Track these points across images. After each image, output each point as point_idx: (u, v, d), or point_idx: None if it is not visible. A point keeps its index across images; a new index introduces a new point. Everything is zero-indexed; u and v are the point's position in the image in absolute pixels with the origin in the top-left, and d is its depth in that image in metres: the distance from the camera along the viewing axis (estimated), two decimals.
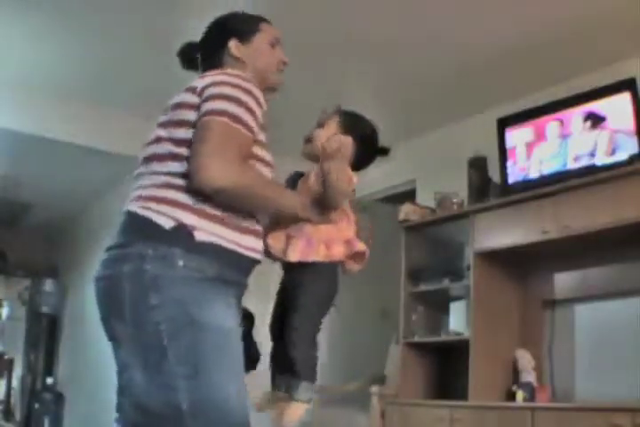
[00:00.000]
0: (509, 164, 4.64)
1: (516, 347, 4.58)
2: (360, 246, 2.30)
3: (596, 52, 4.53)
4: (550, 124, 4.49)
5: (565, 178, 4.23)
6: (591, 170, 4.14)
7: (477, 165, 4.88)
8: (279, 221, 2.20)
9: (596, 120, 4.25)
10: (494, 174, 4.76)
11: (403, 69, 4.96)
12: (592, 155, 4.22)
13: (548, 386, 4.42)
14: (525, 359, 4.48)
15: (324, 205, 2.10)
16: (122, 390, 1.93)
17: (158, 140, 1.98)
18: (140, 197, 1.94)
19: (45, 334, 8.25)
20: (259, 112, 1.97)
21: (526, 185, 4.48)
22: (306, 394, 2.17)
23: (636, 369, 3.94)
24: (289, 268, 2.30)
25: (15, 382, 8.51)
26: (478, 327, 4.49)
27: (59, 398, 7.37)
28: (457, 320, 4.92)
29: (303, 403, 2.17)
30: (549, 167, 4.43)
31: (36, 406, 7.38)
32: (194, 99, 1.94)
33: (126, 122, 5.85)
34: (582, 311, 4.50)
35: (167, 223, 1.85)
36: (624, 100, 4.12)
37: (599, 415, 3.58)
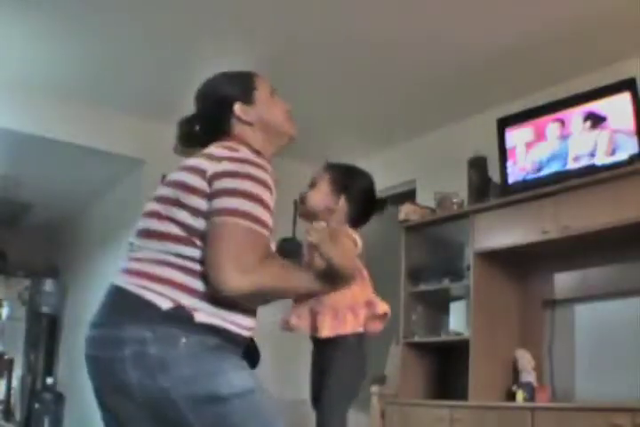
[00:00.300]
0: (509, 164, 4.65)
1: (516, 347, 4.58)
2: (382, 307, 2.33)
3: (595, 52, 4.54)
4: (550, 124, 4.49)
5: (565, 178, 4.23)
6: (591, 170, 4.14)
7: (477, 165, 4.88)
8: (298, 298, 2.20)
9: (596, 120, 4.26)
10: (494, 174, 4.76)
11: (402, 69, 4.96)
12: (592, 155, 4.22)
13: (548, 386, 4.42)
14: (525, 359, 4.48)
15: (337, 278, 1.98)
16: None
17: (157, 215, 1.89)
18: (132, 273, 1.86)
19: (45, 334, 8.22)
20: (272, 203, 1.88)
21: (526, 185, 4.48)
22: None
23: (636, 369, 3.95)
24: (318, 341, 2.34)
25: (15, 382, 8.50)
26: (478, 327, 4.50)
27: (59, 398, 7.35)
28: (457, 320, 4.93)
29: None
30: (549, 167, 4.44)
31: (36, 406, 7.37)
32: (202, 184, 1.84)
33: (126, 122, 5.86)
34: (582, 311, 4.50)
35: (165, 304, 1.78)
36: (624, 100, 4.13)
37: (599, 415, 3.58)
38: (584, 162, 4.25)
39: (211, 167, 1.86)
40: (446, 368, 5.00)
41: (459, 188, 4.95)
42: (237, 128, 2.07)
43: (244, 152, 1.93)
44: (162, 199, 1.91)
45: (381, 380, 5.20)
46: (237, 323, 1.87)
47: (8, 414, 8.26)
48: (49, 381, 7.66)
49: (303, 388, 5.70)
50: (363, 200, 2.46)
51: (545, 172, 4.46)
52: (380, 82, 5.14)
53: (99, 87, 5.44)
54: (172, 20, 4.44)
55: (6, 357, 8.67)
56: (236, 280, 1.75)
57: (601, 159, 4.16)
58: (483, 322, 4.52)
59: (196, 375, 1.76)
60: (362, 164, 6.65)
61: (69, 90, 5.48)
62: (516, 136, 4.65)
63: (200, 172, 1.86)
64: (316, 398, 2.39)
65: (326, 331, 2.24)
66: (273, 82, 2.18)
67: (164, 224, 1.87)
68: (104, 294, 1.90)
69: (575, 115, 4.36)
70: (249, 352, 1.97)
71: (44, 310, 8.01)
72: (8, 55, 5.04)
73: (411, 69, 4.93)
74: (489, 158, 4.84)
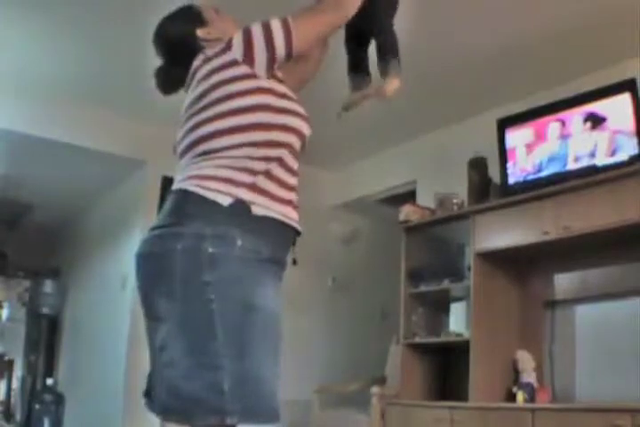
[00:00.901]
0: (509, 164, 4.64)
1: (517, 348, 4.58)
2: None
3: (596, 52, 4.54)
4: (550, 124, 4.49)
5: (565, 179, 4.23)
6: (591, 171, 4.14)
7: (478, 165, 4.88)
8: None
9: (596, 121, 4.26)
10: (494, 175, 4.76)
11: (402, 70, 4.95)
12: (592, 155, 4.22)
13: (549, 387, 4.42)
14: (526, 360, 4.48)
15: None
16: (156, 373, 1.90)
17: (198, 125, 1.99)
18: (192, 177, 1.95)
19: (45, 335, 8.22)
20: None
21: (526, 186, 4.48)
22: (398, 68, 2.51)
23: (637, 370, 3.94)
24: None
25: (15, 383, 8.51)
26: (479, 328, 4.49)
27: (59, 399, 7.35)
28: (457, 321, 4.93)
29: (397, 77, 2.47)
30: (549, 168, 4.43)
31: (37, 406, 7.36)
32: (222, 59, 2.01)
33: (127, 123, 5.86)
34: (583, 312, 4.51)
35: (225, 200, 1.88)
36: (624, 100, 4.13)
37: (600, 416, 3.57)
38: (584, 163, 4.25)
39: (231, 52, 2.00)
40: (446, 369, 5.01)
41: (459, 188, 4.94)
42: (210, 47, 2.14)
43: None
44: (193, 113, 2.02)
45: (382, 380, 5.21)
46: (286, 215, 1.98)
47: (8, 415, 8.27)
48: (49, 382, 7.66)
49: (305, 388, 5.71)
50: None
51: (545, 172, 4.45)
52: (378, 83, 5.13)
53: (100, 88, 5.43)
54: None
55: (6, 358, 8.68)
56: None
57: (601, 160, 4.16)
58: (483, 323, 4.52)
59: (240, 279, 1.84)
60: (362, 164, 6.72)
61: (70, 91, 5.49)
62: (516, 137, 4.64)
63: (226, 65, 2.00)
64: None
65: None
66: None
67: (204, 128, 1.98)
68: (167, 201, 1.99)
69: (575, 115, 4.36)
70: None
71: (44, 311, 8.01)
72: (9, 56, 5.04)
73: (409, 70, 4.91)
74: (489, 159, 4.84)
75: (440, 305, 5.05)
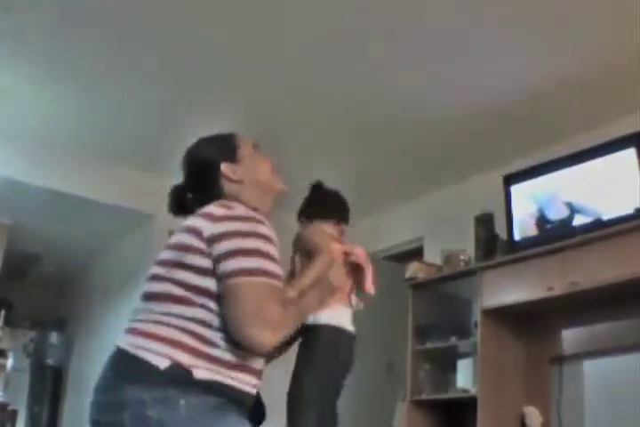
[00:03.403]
0: (516, 220, 4.66)
1: (524, 403, 4.55)
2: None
3: (598, 108, 4.61)
4: (556, 180, 4.52)
5: (572, 234, 4.25)
6: (597, 225, 4.16)
7: (484, 222, 4.90)
8: None
9: (602, 175, 4.29)
10: (501, 231, 4.78)
11: (407, 127, 5.01)
12: (598, 210, 4.24)
13: None
14: (533, 416, 4.45)
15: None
16: None
17: (158, 278, 1.91)
18: (132, 333, 1.86)
19: (50, 386, 8.18)
20: (277, 253, 1.91)
21: (533, 242, 4.49)
22: None
23: None
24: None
25: None
26: (486, 384, 4.47)
27: None
28: (464, 377, 4.89)
29: None
30: (555, 223, 4.45)
31: None
32: (199, 244, 1.86)
33: (136, 177, 5.92)
34: (590, 367, 4.48)
35: (163, 363, 1.75)
36: (629, 154, 4.17)
37: None
38: (590, 217, 4.28)
39: (207, 228, 1.87)
40: (454, 426, 4.96)
41: (466, 245, 4.96)
42: (228, 188, 2.09)
43: (242, 209, 1.94)
44: (163, 262, 1.93)
45: None
46: (240, 379, 1.85)
47: None
48: None
49: None
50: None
51: (551, 228, 4.47)
52: (385, 140, 5.20)
53: (109, 142, 5.51)
54: (188, 95, 4.56)
55: (10, 408, 8.61)
56: (269, 338, 1.79)
57: (607, 214, 4.18)
58: (490, 379, 4.50)
59: None
60: (368, 221, 6.72)
61: (81, 144, 5.56)
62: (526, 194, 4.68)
63: (196, 232, 1.88)
64: None
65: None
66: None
67: (163, 285, 1.88)
68: (108, 356, 1.89)
69: (581, 171, 4.40)
70: (254, 406, 1.95)
71: (49, 362, 7.98)
72: (21, 110, 5.14)
73: (415, 127, 4.99)
74: (495, 215, 4.86)
75: (447, 361, 5.02)
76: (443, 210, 5.75)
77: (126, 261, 6.63)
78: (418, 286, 5.11)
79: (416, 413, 4.90)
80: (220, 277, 1.83)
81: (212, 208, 1.94)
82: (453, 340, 4.87)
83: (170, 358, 1.76)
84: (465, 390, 4.73)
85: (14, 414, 8.57)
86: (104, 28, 4.15)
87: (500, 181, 4.81)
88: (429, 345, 4.99)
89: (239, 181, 2.10)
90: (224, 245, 1.84)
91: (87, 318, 7.62)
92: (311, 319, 2.47)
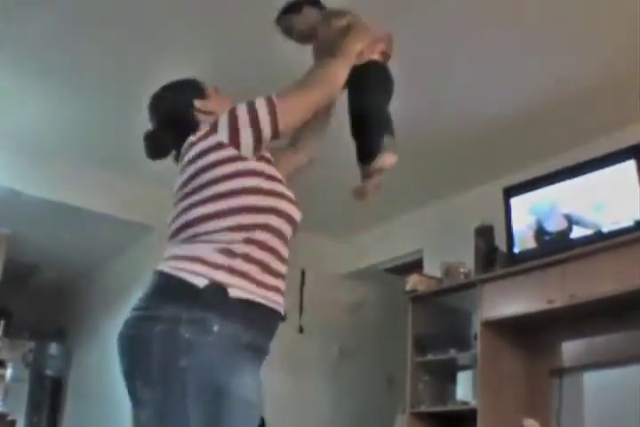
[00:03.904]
0: (516, 233, 4.67)
1: (524, 416, 4.53)
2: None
3: (597, 120, 4.61)
4: (555, 192, 4.53)
5: (570, 246, 4.25)
6: (597, 237, 4.16)
7: (484, 234, 4.90)
8: None
9: (601, 187, 4.30)
10: (501, 244, 4.78)
11: (407, 140, 5.01)
12: (598, 222, 4.25)
13: None
14: None
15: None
16: None
17: (182, 211, 1.98)
18: (169, 257, 1.94)
19: (49, 396, 8.18)
20: None
21: (532, 254, 4.50)
22: (395, 145, 2.43)
23: None
24: None
25: None
26: (485, 396, 4.47)
27: None
28: (464, 389, 4.89)
29: (393, 152, 2.41)
30: (553, 235, 4.46)
31: None
32: (218, 148, 1.98)
33: (137, 188, 5.92)
34: (590, 379, 4.48)
35: (201, 282, 1.84)
36: (629, 166, 4.17)
37: None
38: (590, 229, 4.28)
39: (209, 139, 2.00)
40: None
41: (466, 257, 4.97)
42: (202, 120, 2.18)
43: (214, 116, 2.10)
44: (181, 197, 2.00)
45: None
46: (267, 297, 1.92)
47: None
48: None
49: None
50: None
51: (551, 240, 4.48)
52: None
53: (110, 153, 5.51)
54: None
55: (9, 418, 8.59)
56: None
57: (607, 226, 4.19)
58: (490, 391, 4.49)
59: (216, 365, 1.80)
60: (369, 234, 6.71)
61: (81, 154, 5.57)
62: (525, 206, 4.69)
63: (208, 148, 1.99)
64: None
65: None
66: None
67: (190, 213, 1.95)
68: (148, 281, 1.96)
69: (580, 182, 4.41)
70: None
71: (49, 372, 7.98)
72: (20, 120, 5.14)
73: (415, 140, 4.99)
74: (495, 228, 4.87)
75: (446, 374, 5.02)
76: (442, 222, 5.76)
77: (126, 272, 6.63)
78: (418, 299, 5.12)
79: (416, 425, 4.89)
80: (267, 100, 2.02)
81: (192, 137, 2.06)
82: (453, 352, 4.87)
83: (207, 276, 1.85)
84: (465, 403, 4.73)
85: (13, 424, 8.55)
86: (103, 38, 4.16)
87: (500, 194, 4.82)
88: (429, 357, 4.99)
89: (211, 112, 2.19)
90: (222, 122, 2.00)
91: (87, 328, 7.62)
92: None
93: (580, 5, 3.63)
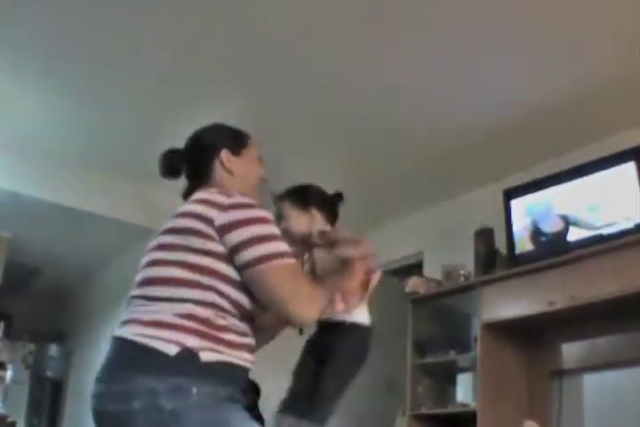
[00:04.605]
0: (515, 235, 4.67)
1: (524, 418, 4.51)
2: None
3: (598, 122, 4.61)
4: (555, 194, 4.53)
5: (571, 248, 4.25)
6: (597, 239, 4.16)
7: (484, 236, 4.90)
8: None
9: (601, 189, 4.30)
10: (501, 246, 4.78)
11: (407, 142, 5.02)
12: (598, 224, 4.25)
13: None
14: None
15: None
16: None
17: (161, 263, 1.93)
18: (135, 322, 1.87)
19: (49, 398, 8.18)
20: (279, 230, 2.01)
21: (532, 256, 4.50)
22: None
23: None
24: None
25: None
26: (485, 399, 4.46)
27: None
28: (464, 392, 4.88)
29: None
30: (549, 236, 4.46)
31: None
32: (209, 230, 1.89)
33: (137, 191, 5.91)
34: (590, 381, 4.47)
35: (172, 350, 1.78)
36: (629, 169, 4.18)
37: None
38: (590, 232, 4.28)
39: (215, 216, 1.91)
40: None
41: (466, 259, 4.97)
42: (218, 173, 2.15)
43: (239, 195, 1.99)
44: (165, 247, 1.95)
45: None
46: (240, 357, 1.89)
47: None
48: None
49: None
50: (326, 202, 2.54)
51: (551, 242, 4.48)
52: (386, 154, 5.20)
53: (110, 155, 5.52)
54: (187, 93, 4.57)
55: (9, 420, 8.59)
56: (314, 311, 1.94)
57: (606, 229, 4.18)
58: (490, 393, 4.49)
59: (207, 422, 1.77)
60: (369, 236, 6.71)
61: (81, 157, 5.57)
62: (522, 207, 4.68)
63: (204, 219, 1.91)
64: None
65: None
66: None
67: (167, 269, 1.91)
68: (109, 348, 1.90)
69: (580, 185, 4.41)
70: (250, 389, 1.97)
71: (49, 374, 7.98)
72: (21, 123, 5.15)
73: (415, 142, 4.99)
74: (495, 230, 4.87)
75: (447, 376, 5.01)
76: (442, 225, 5.75)
77: (126, 274, 6.56)
78: (418, 301, 5.11)
79: None
80: (242, 267, 1.89)
81: (210, 196, 1.98)
82: (453, 354, 4.86)
83: (178, 343, 1.79)
84: (465, 405, 4.73)
85: (13, 426, 8.54)
86: (102, 39, 4.16)
87: (500, 196, 4.82)
88: (429, 359, 4.98)
89: (230, 171, 2.15)
90: (235, 235, 1.89)
91: (86, 330, 7.62)
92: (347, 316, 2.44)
93: (581, 7, 3.62)
